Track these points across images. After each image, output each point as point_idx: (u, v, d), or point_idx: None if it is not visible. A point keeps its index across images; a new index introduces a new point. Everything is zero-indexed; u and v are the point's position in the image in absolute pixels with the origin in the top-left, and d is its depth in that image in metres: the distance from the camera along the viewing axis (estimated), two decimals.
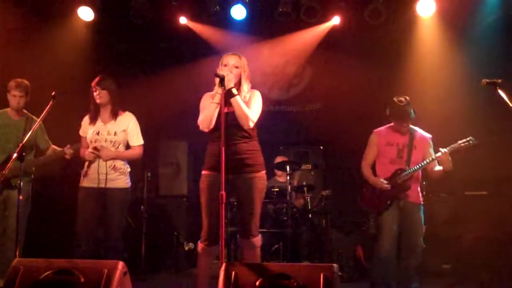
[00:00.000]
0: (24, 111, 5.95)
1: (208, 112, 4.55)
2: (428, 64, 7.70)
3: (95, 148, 5.39)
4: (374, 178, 5.54)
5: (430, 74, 7.67)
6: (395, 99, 5.45)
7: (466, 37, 7.51)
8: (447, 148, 5.24)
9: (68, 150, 5.64)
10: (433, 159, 5.31)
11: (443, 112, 7.24)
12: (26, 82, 5.91)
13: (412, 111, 5.43)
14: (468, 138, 5.24)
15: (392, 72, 7.78)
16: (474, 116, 7.15)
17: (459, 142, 5.24)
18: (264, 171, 4.75)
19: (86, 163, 5.48)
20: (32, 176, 5.96)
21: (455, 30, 7.51)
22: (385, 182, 5.43)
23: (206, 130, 4.60)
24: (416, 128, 5.56)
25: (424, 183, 7.14)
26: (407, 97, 5.46)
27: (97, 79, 5.50)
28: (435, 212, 7.13)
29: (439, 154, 5.26)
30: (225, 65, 4.65)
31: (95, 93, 5.47)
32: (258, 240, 4.70)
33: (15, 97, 5.83)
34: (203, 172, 4.71)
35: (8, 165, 4.86)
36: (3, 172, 5.01)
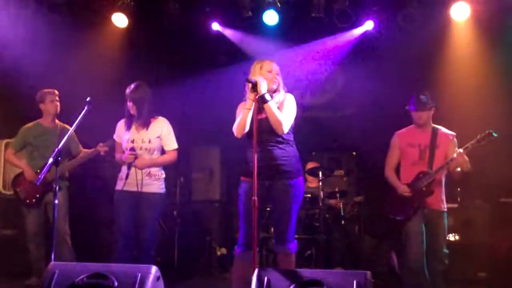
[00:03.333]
0: (56, 120, 6.23)
1: (241, 118, 4.55)
2: (463, 68, 7.60)
3: (132, 149, 5.45)
4: (398, 184, 5.48)
5: (465, 78, 7.57)
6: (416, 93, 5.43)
7: (501, 40, 7.39)
8: (462, 148, 5.14)
9: (102, 148, 5.88)
10: (451, 160, 5.21)
11: (479, 116, 7.13)
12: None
13: (428, 101, 5.37)
14: (486, 131, 5.09)
15: (426, 77, 7.68)
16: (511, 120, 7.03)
17: (477, 137, 5.13)
18: (301, 177, 4.73)
19: (124, 168, 5.54)
20: (68, 181, 6.15)
21: (490, 34, 7.39)
22: (407, 190, 5.38)
23: (239, 136, 4.60)
24: (439, 126, 5.49)
25: (458, 189, 7.06)
26: (425, 92, 5.44)
27: (131, 89, 5.51)
28: (470, 218, 7.04)
29: (455, 155, 5.17)
30: (270, 71, 4.66)
31: (128, 103, 5.52)
32: (293, 246, 4.70)
33: (52, 102, 6.15)
34: (242, 178, 4.75)
35: (45, 169, 4.94)
36: (38, 176, 5.12)
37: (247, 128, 4.56)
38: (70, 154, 6.26)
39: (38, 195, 5.99)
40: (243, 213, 4.66)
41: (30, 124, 6.24)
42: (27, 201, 6.02)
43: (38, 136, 6.11)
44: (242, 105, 4.76)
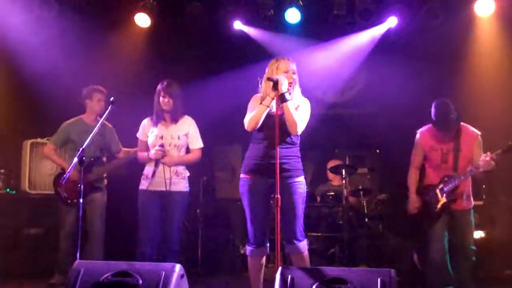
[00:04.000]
0: (98, 118, 6.19)
1: (257, 113, 4.57)
2: (487, 65, 7.51)
3: (162, 146, 5.46)
4: (411, 194, 5.55)
5: (489, 74, 7.48)
6: (437, 103, 5.33)
7: None
8: (490, 154, 5.04)
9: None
10: (475, 168, 5.13)
11: (503, 112, 7.06)
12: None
13: (456, 117, 5.27)
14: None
15: (450, 73, 7.62)
16: None
17: (504, 147, 5.03)
18: (302, 176, 4.73)
19: (150, 166, 5.56)
20: (106, 181, 6.20)
21: None
22: (416, 205, 5.47)
23: (250, 130, 4.64)
24: (463, 124, 5.40)
25: (483, 186, 6.99)
26: (448, 102, 5.31)
27: (165, 84, 5.56)
28: (496, 216, 6.96)
29: (480, 162, 5.08)
30: (286, 72, 4.65)
31: (162, 98, 5.54)
32: (304, 244, 4.68)
33: (99, 102, 6.17)
34: (242, 175, 4.76)
35: (70, 168, 4.98)
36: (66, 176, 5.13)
37: (259, 124, 4.57)
38: (110, 152, 6.29)
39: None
40: (249, 211, 4.69)
41: (72, 120, 6.21)
42: (69, 201, 5.99)
43: (81, 133, 6.00)
44: (255, 98, 4.78)
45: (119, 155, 6.32)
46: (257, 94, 4.82)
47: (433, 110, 5.35)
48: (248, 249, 4.74)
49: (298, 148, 4.78)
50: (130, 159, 6.15)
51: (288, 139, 4.65)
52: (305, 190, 4.76)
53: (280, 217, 4.47)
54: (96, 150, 6.07)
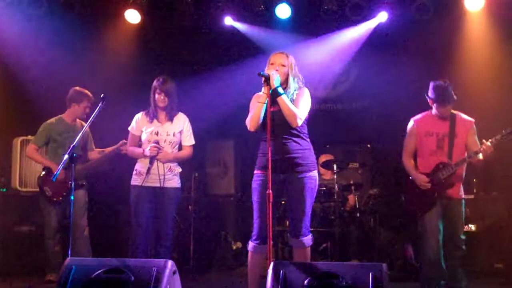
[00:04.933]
0: (77, 119, 6.26)
1: (255, 112, 4.56)
2: (477, 59, 7.53)
3: (157, 142, 5.44)
4: (416, 174, 5.43)
5: (479, 68, 7.50)
6: (435, 82, 5.34)
7: None
8: (490, 140, 5.07)
9: (125, 147, 5.81)
10: (475, 153, 5.14)
11: (493, 107, 7.08)
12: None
13: (453, 93, 5.30)
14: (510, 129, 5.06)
15: (440, 68, 7.61)
16: None
17: (503, 132, 5.07)
18: (315, 170, 4.73)
19: (142, 162, 5.53)
20: (85, 180, 6.18)
21: (505, 24, 7.32)
22: (427, 180, 5.33)
23: (253, 129, 4.61)
24: (457, 112, 5.42)
25: (475, 180, 7.02)
26: (447, 80, 5.34)
27: (160, 81, 5.52)
28: (487, 211, 6.99)
29: (480, 147, 5.10)
30: (272, 64, 4.66)
31: (158, 95, 5.52)
32: (308, 239, 4.70)
33: (85, 109, 6.16)
34: (256, 171, 4.74)
35: (60, 167, 4.98)
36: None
37: (260, 121, 4.56)
38: (86, 150, 6.28)
39: (65, 193, 5.98)
40: (258, 207, 4.66)
41: (52, 120, 6.21)
42: (54, 199, 6.00)
43: (63, 133, 6.09)
44: (255, 97, 4.77)
45: (91, 153, 6.33)
46: (258, 93, 4.78)
47: (431, 89, 5.37)
48: (251, 244, 4.71)
49: (308, 140, 4.75)
50: (108, 157, 6.19)
51: (294, 132, 4.62)
52: (317, 184, 4.73)
53: (288, 211, 4.49)
54: (77, 148, 6.04)
